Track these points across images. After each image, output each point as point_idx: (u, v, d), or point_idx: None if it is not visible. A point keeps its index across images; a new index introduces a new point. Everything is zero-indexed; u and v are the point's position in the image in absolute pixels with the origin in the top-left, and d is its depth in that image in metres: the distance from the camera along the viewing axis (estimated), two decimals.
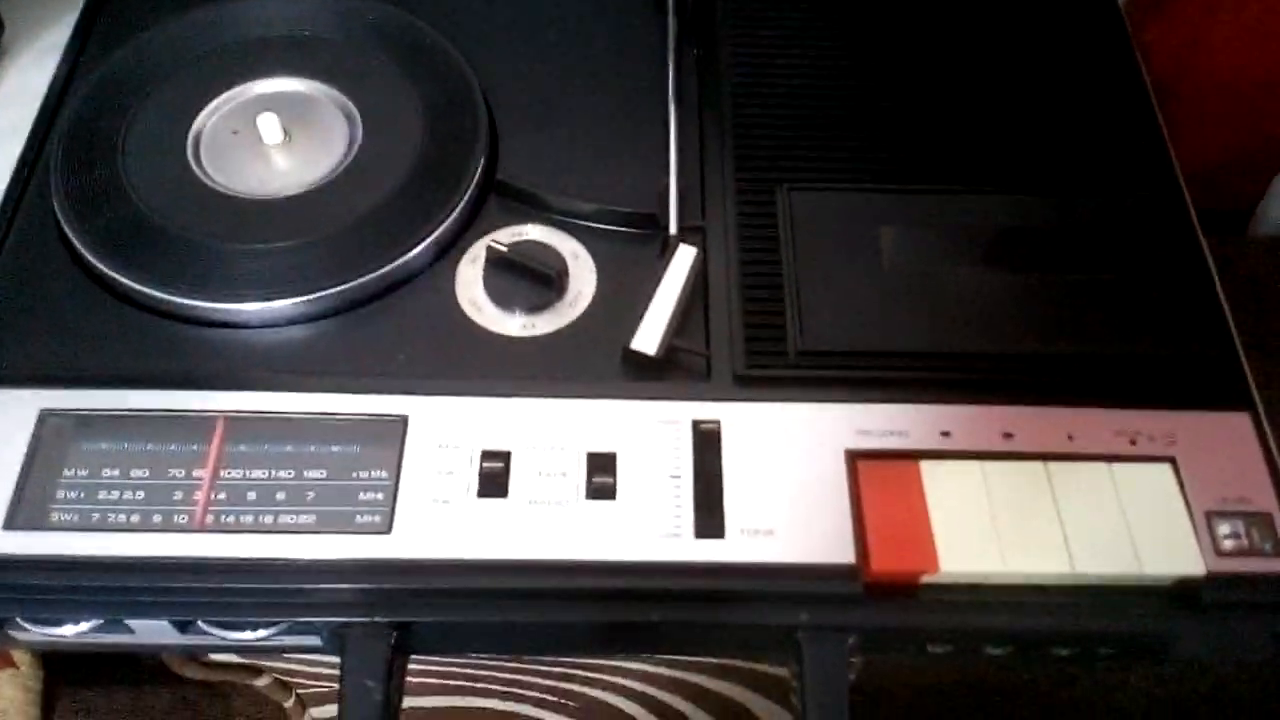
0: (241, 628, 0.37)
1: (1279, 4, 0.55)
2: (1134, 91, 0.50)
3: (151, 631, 0.38)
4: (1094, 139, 0.48)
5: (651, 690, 0.56)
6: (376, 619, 0.36)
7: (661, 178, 0.45)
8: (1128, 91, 0.50)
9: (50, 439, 0.38)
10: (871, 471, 0.38)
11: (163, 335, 0.42)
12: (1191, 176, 0.47)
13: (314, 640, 0.38)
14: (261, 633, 0.37)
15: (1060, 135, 0.48)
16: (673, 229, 0.44)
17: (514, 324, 0.42)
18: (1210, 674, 0.53)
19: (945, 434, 0.39)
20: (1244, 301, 0.52)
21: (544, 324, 0.42)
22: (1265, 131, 0.60)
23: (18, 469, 0.38)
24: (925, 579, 0.37)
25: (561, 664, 0.56)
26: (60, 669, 0.47)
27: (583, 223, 0.45)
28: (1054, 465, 0.38)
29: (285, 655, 0.55)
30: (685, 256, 0.43)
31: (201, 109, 0.47)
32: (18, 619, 0.37)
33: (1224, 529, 0.37)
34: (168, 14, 0.50)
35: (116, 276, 0.42)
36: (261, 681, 0.60)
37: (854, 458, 0.39)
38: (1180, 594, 0.37)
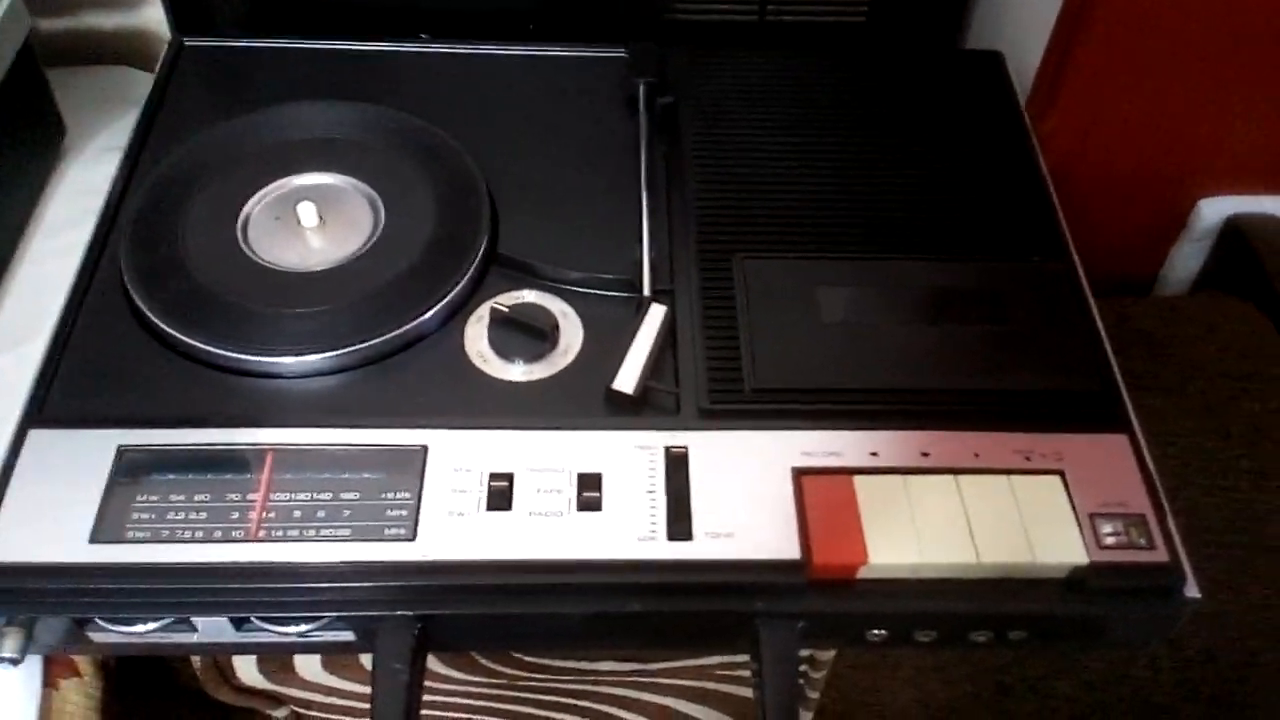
0: (288, 623, 0.44)
1: (1157, 104, 0.65)
2: (1032, 175, 0.59)
3: (211, 630, 0.45)
4: (997, 214, 0.57)
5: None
6: (403, 613, 0.43)
7: (636, 249, 0.54)
8: (1027, 175, 0.59)
9: (126, 470, 0.46)
10: (813, 484, 0.46)
11: (219, 385, 0.49)
12: (1099, 245, 0.56)
13: (348, 636, 0.45)
14: (304, 627, 0.44)
15: (969, 211, 0.57)
16: (646, 291, 0.52)
17: (515, 371, 0.50)
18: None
19: (874, 454, 0.47)
20: (1138, 349, 0.61)
21: (539, 371, 0.51)
22: (1158, 206, 0.69)
23: (100, 495, 0.45)
24: (860, 572, 0.44)
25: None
26: (116, 681, 0.53)
27: (571, 288, 0.54)
28: (963, 478, 0.46)
29: (308, 686, 0.61)
30: (657, 313, 0.51)
31: (249, 198, 0.56)
32: (97, 619, 0.44)
33: (1105, 528, 0.45)
34: (217, 119, 0.59)
35: (180, 336, 0.50)
36: (280, 713, 0.66)
37: (799, 474, 0.46)
38: (1071, 582, 0.45)
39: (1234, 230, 0.67)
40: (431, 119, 0.60)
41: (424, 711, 0.65)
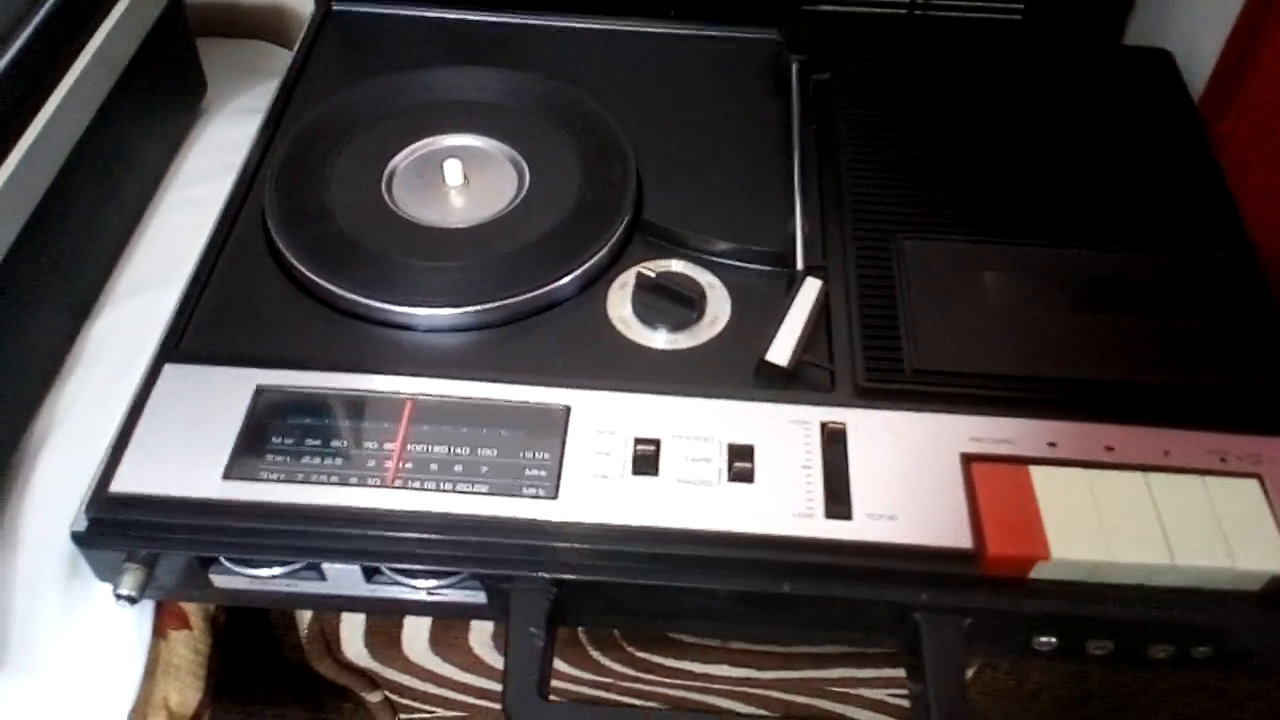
0: (420, 576, 0.42)
1: None
2: (1211, 173, 0.55)
3: (341, 580, 0.43)
4: (1175, 210, 0.53)
5: None
6: (540, 574, 0.41)
7: (788, 223, 0.52)
8: (1206, 173, 0.55)
9: (264, 409, 0.44)
10: (985, 472, 0.43)
11: (356, 333, 0.48)
12: (1271, 259, 0.52)
13: (480, 597, 0.43)
14: (435, 583, 0.42)
15: (1143, 205, 0.53)
16: (799, 265, 0.50)
17: (658, 339, 0.48)
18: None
19: (1051, 445, 0.44)
20: None
21: (684, 340, 0.48)
22: None
23: (235, 432, 0.44)
24: (1036, 569, 0.41)
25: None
26: (223, 641, 0.52)
27: (718, 259, 0.51)
28: (1152, 475, 0.42)
29: (409, 667, 0.59)
30: (812, 286, 0.49)
31: (396, 153, 0.55)
32: (224, 559, 0.42)
33: None
34: (366, 79, 0.59)
35: (320, 281, 0.49)
36: (374, 697, 0.64)
37: (968, 460, 0.43)
38: (1269, 594, 0.40)
39: None
40: (581, 86, 0.58)
41: None
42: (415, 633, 0.56)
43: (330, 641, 0.56)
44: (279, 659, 0.60)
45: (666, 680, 0.60)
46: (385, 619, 0.53)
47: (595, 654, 0.57)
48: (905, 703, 0.61)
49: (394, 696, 0.64)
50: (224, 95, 0.68)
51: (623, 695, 0.62)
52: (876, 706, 0.62)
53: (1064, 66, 0.62)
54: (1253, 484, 0.42)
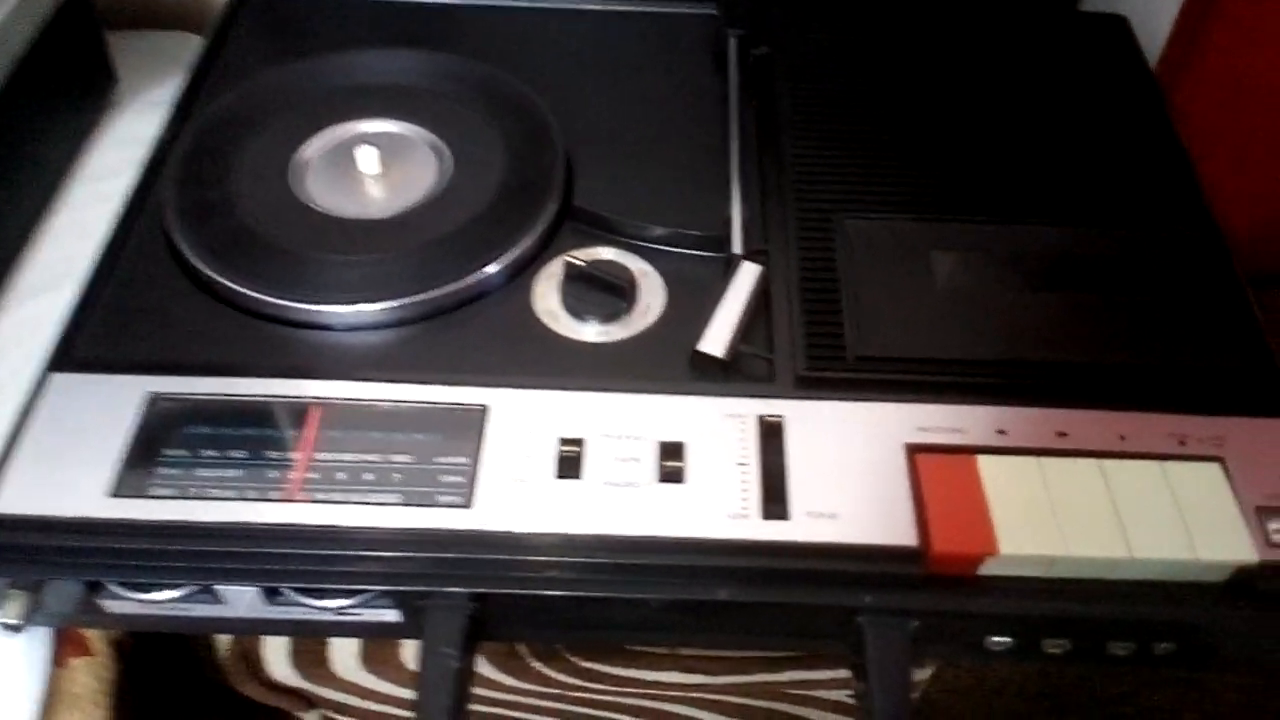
0: (326, 595, 0.39)
1: None
2: (1170, 145, 0.53)
3: (239, 602, 0.40)
4: (1132, 183, 0.51)
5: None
6: (455, 589, 0.38)
7: (725, 207, 0.49)
8: (1165, 145, 0.53)
9: (157, 420, 0.41)
10: (930, 463, 0.40)
11: (262, 334, 0.45)
12: (1231, 233, 0.50)
13: (393, 615, 0.40)
14: (343, 602, 0.39)
15: (1100, 178, 0.51)
16: (737, 249, 0.47)
17: (588, 331, 0.45)
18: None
19: (1001, 432, 0.41)
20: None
21: (616, 332, 0.45)
22: None
23: (125, 445, 0.40)
24: (985, 565, 0.38)
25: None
26: (131, 666, 0.49)
27: (652, 245, 0.48)
28: (1108, 462, 0.40)
29: (342, 685, 0.56)
30: (749, 271, 0.46)
31: (306, 141, 0.51)
32: (111, 583, 0.39)
33: (1274, 523, 0.39)
34: (277, 65, 0.55)
35: (220, 280, 0.45)
36: (311, 717, 0.61)
37: (913, 451, 0.40)
38: (1234, 585, 0.38)
39: None
40: (504, 67, 0.55)
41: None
42: (343, 650, 0.53)
43: (252, 662, 0.53)
44: (203, 681, 0.56)
45: (616, 689, 0.57)
46: (310, 637, 0.50)
47: (537, 665, 0.54)
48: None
49: (333, 715, 0.61)
50: (137, 87, 0.64)
51: (573, 705, 0.59)
52: (835, 707, 0.59)
53: (1017, 31, 0.59)
54: (1214, 468, 0.40)
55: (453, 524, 0.38)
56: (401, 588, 0.38)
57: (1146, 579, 0.38)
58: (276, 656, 0.53)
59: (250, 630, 0.45)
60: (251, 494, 0.39)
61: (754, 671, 0.56)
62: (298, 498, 0.39)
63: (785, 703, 0.59)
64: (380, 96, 0.53)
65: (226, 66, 0.58)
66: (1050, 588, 0.38)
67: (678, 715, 0.61)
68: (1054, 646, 0.40)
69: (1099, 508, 0.38)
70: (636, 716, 0.61)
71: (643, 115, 0.54)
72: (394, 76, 0.54)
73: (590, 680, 0.56)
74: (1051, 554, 0.37)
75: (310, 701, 0.59)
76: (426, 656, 0.37)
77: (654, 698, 0.59)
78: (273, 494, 0.39)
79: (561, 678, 0.56)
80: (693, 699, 0.59)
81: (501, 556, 0.38)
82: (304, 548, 0.38)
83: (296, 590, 0.39)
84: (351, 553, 0.38)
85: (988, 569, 0.38)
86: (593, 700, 0.59)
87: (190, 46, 0.70)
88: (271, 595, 0.39)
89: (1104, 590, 0.38)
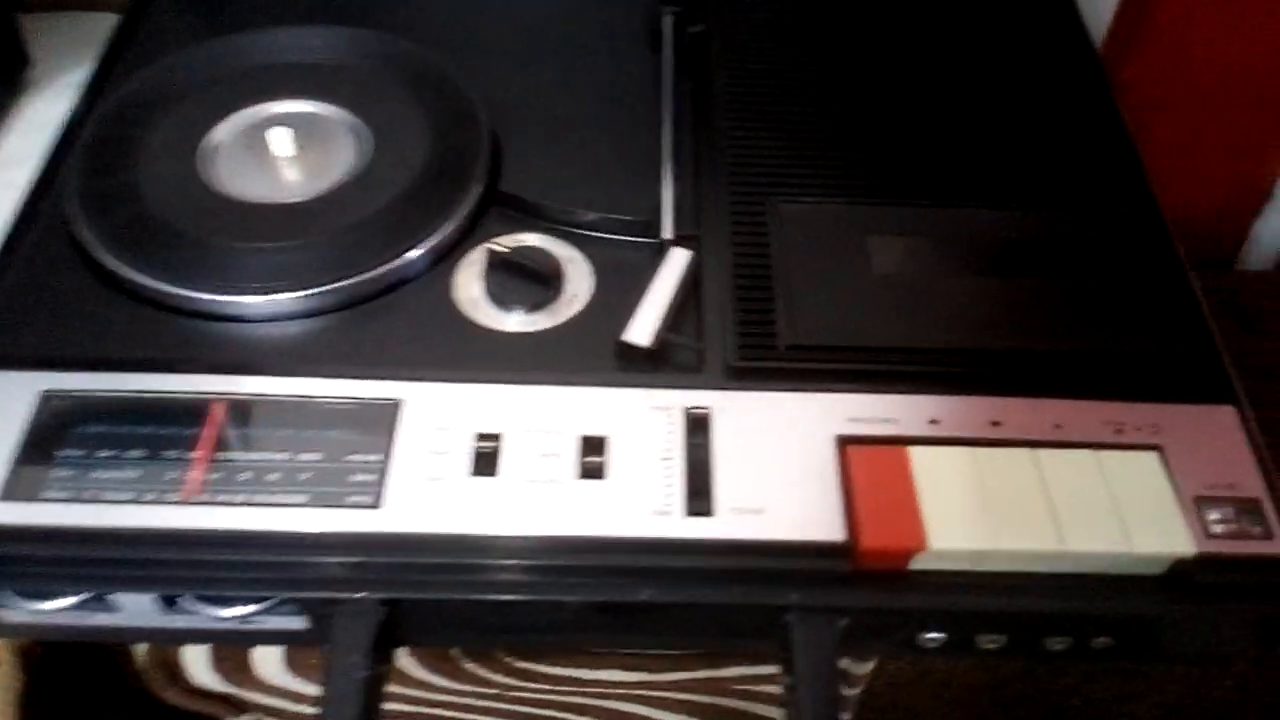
0: (227, 603, 0.37)
1: (1247, 56, 0.58)
2: (1110, 121, 0.52)
3: (136, 612, 0.38)
4: (1073, 163, 0.50)
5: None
6: (364, 595, 0.36)
7: (657, 190, 0.47)
8: (1104, 121, 0.52)
9: (49, 418, 0.39)
10: (861, 455, 0.38)
11: (165, 327, 0.42)
12: (1174, 215, 0.49)
13: (300, 623, 0.38)
14: (246, 610, 0.37)
15: (1040, 159, 0.50)
16: (668, 234, 0.45)
17: (511, 321, 0.43)
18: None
19: (934, 422, 0.40)
20: (1226, 326, 0.53)
21: (541, 322, 0.43)
22: (1241, 172, 0.62)
23: (16, 445, 0.38)
24: (916, 560, 0.37)
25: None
26: (41, 674, 0.46)
27: (580, 231, 0.46)
28: (1042, 452, 0.39)
29: (269, 690, 0.54)
30: (679, 257, 0.44)
31: (217, 124, 0.49)
32: (2, 593, 0.37)
33: (1213, 514, 0.37)
34: (189, 45, 0.53)
35: (119, 269, 0.43)
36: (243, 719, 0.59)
37: (844, 443, 0.39)
38: (1172, 578, 0.37)
39: None
40: (429, 44, 0.53)
41: None
42: (266, 654, 0.51)
43: (172, 668, 0.51)
44: (125, 689, 0.54)
45: (556, 689, 0.56)
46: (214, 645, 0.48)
47: (470, 666, 0.53)
48: None
49: (265, 718, 0.59)
50: (52, 69, 0.62)
51: (514, 705, 0.58)
52: (782, 701, 0.58)
53: (959, 11, 0.57)
54: (1152, 457, 0.39)
55: (361, 526, 0.37)
56: (306, 594, 0.36)
57: (1082, 572, 0.37)
58: (197, 662, 0.51)
59: (152, 639, 0.44)
60: (149, 496, 0.37)
61: (697, 668, 0.55)
62: (197, 500, 0.37)
63: (731, 698, 0.58)
64: (296, 76, 0.51)
65: (141, 47, 0.55)
66: (983, 582, 0.37)
67: (623, 712, 0.60)
68: (989, 642, 0.39)
69: (1032, 499, 0.37)
70: (580, 714, 0.59)
71: (573, 95, 0.52)
72: (311, 55, 0.52)
73: (527, 680, 0.55)
74: (983, 548, 0.36)
75: (240, 706, 0.57)
76: (332, 666, 0.35)
77: (597, 695, 0.57)
78: (171, 496, 0.37)
79: (497, 678, 0.54)
80: (636, 696, 0.58)
81: (412, 560, 0.36)
82: (202, 553, 0.36)
83: (196, 598, 0.37)
84: (253, 558, 0.36)
85: (918, 564, 0.37)
86: (533, 700, 0.57)
87: (109, 27, 0.67)
88: (170, 603, 0.37)
89: (1039, 584, 0.37)
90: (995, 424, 0.40)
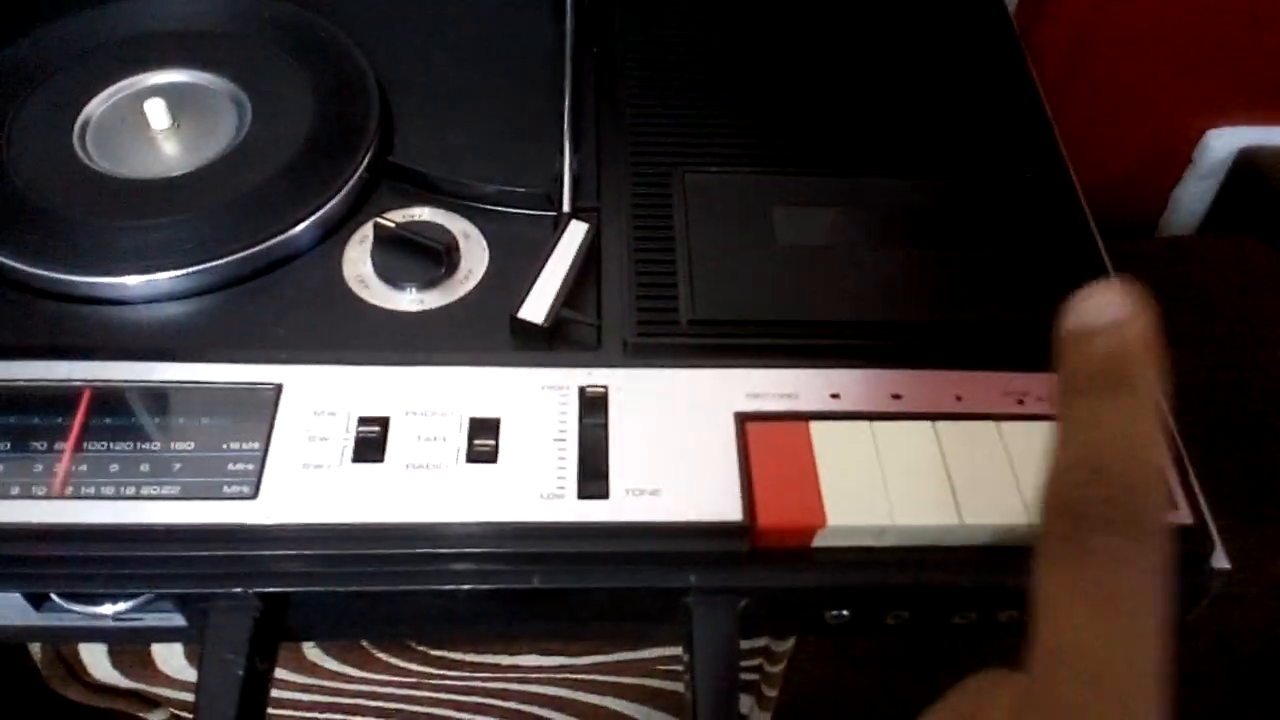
0: (97, 600, 0.35)
1: (1160, 18, 0.57)
2: (1021, 85, 0.51)
3: (8, 609, 0.36)
4: (982, 129, 0.49)
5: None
6: (240, 589, 0.34)
7: (556, 161, 0.45)
8: (1015, 85, 0.51)
9: None
10: (760, 432, 0.37)
11: (30, 310, 0.40)
12: (1094, 181, 0.48)
13: (178, 620, 0.36)
14: (120, 607, 0.35)
15: (947, 125, 0.48)
16: (566, 208, 0.44)
17: (403, 300, 0.42)
18: None
19: (835, 396, 0.39)
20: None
21: (433, 300, 0.42)
22: (1160, 137, 0.61)
23: None
24: (816, 538, 0.36)
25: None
26: None
27: (475, 204, 0.45)
28: (942, 425, 0.38)
29: (176, 684, 0.52)
30: (576, 231, 0.43)
31: (91, 98, 0.46)
32: None
33: None
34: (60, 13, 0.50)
35: None
36: (156, 716, 0.57)
37: (743, 420, 0.38)
38: None
39: (1246, 164, 0.59)
40: (318, 9, 0.50)
41: (316, 715, 0.57)
42: (166, 648, 0.49)
43: (72, 664, 0.49)
44: (27, 686, 0.52)
45: (476, 675, 0.55)
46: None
47: (381, 656, 0.51)
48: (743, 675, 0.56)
49: (180, 713, 0.57)
50: None
51: (434, 693, 0.56)
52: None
53: None
54: (1054, 427, 0.38)
55: (236, 518, 0.35)
56: (178, 589, 0.34)
57: (984, 545, 0.36)
58: (94, 657, 0.49)
59: (25, 638, 0.41)
60: (14, 490, 0.35)
61: (616, 650, 0.54)
62: (65, 493, 0.35)
63: (656, 678, 0.57)
64: (173, 44, 0.48)
65: (10, 16, 0.52)
66: (885, 559, 0.36)
67: (546, 695, 0.59)
68: (895, 618, 0.38)
69: (931, 473, 0.36)
70: (504, 700, 0.58)
71: (471, 62, 0.50)
72: (190, 22, 0.49)
73: (444, 668, 0.53)
74: (881, 524, 0.35)
75: (152, 701, 0.55)
76: (207, 662, 0.34)
77: (517, 680, 0.56)
78: (36, 490, 0.35)
79: (413, 666, 0.53)
80: (560, 679, 0.57)
81: (289, 552, 0.35)
82: (71, 549, 0.34)
83: (65, 597, 0.35)
84: (123, 553, 0.34)
85: (819, 541, 0.36)
86: (453, 687, 0.56)
87: None
88: (39, 602, 0.35)
89: (942, 559, 0.36)
90: (896, 397, 0.39)
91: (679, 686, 0.58)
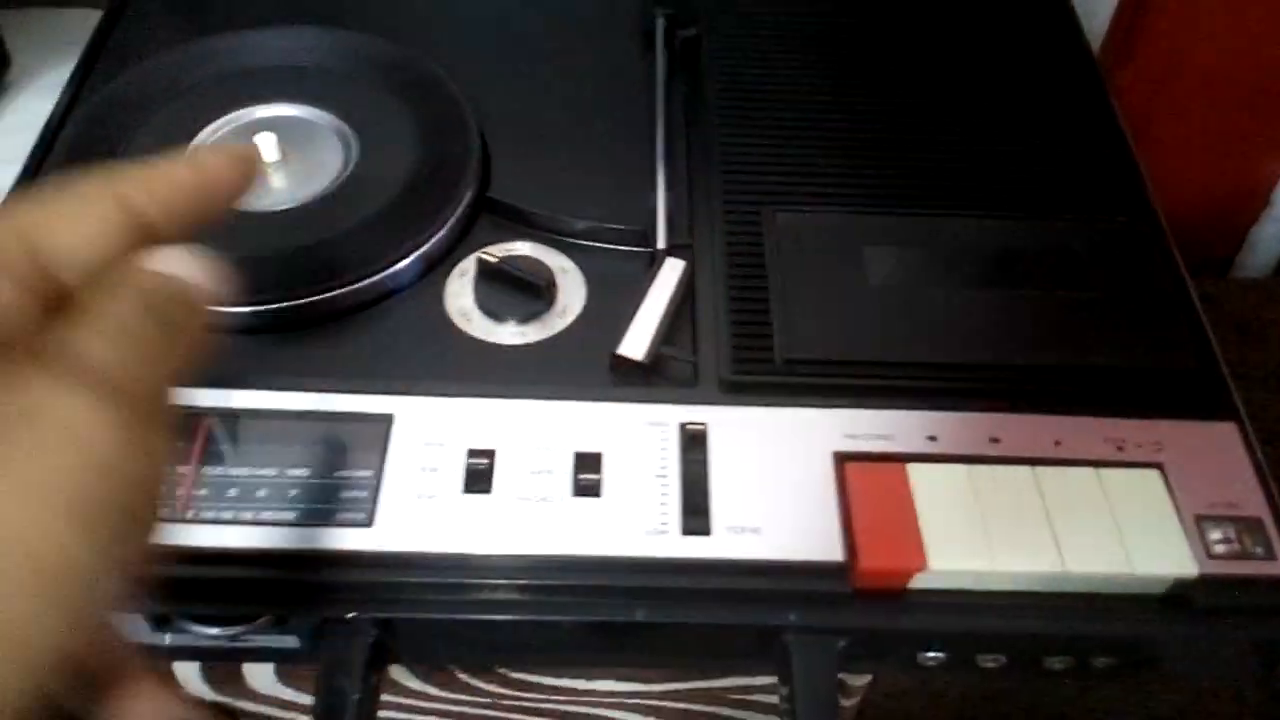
0: (218, 622, 0.36)
1: (1244, 59, 0.57)
2: (1108, 126, 0.51)
3: (130, 630, 0.37)
4: (1072, 171, 0.49)
5: None
6: (356, 615, 0.35)
7: (649, 198, 0.46)
8: (1102, 127, 0.51)
9: None
10: (859, 473, 0.38)
11: None
12: (1170, 221, 0.48)
13: (292, 642, 0.37)
14: (237, 629, 0.36)
15: (1039, 167, 0.49)
16: (661, 244, 0.45)
17: (502, 333, 0.43)
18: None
19: (931, 439, 0.39)
20: (1225, 335, 0.53)
21: (532, 333, 0.43)
22: (1238, 178, 0.61)
23: None
24: (915, 580, 0.36)
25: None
26: None
27: (572, 240, 0.46)
28: (1041, 470, 0.38)
29: (256, 698, 0.53)
30: (673, 268, 0.43)
31: (202, 129, 0.48)
32: None
33: (1214, 533, 0.37)
34: (174, 44, 0.52)
35: None
36: None
37: (841, 460, 0.38)
38: (1173, 598, 0.37)
39: None
40: (419, 47, 0.52)
41: None
42: (257, 665, 0.50)
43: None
44: None
45: (550, 698, 0.55)
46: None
47: (464, 677, 0.52)
48: None
49: None
50: (33, 68, 0.60)
51: (508, 714, 0.57)
52: (779, 711, 0.58)
53: (956, 12, 0.57)
54: (1153, 475, 0.38)
55: (352, 544, 0.36)
56: (297, 613, 0.36)
57: (1083, 592, 0.37)
58: (186, 671, 0.50)
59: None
60: None
61: (691, 678, 0.54)
62: (186, 517, 0.36)
63: (727, 707, 0.58)
64: (281, 79, 0.50)
65: (123, 45, 0.54)
66: (983, 602, 0.37)
67: None
68: (989, 661, 0.38)
69: (1032, 519, 0.37)
70: None
71: (565, 101, 0.52)
72: (296, 57, 0.51)
73: (521, 690, 0.54)
74: (983, 568, 0.36)
75: (231, 713, 0.56)
76: (324, 686, 0.35)
77: (591, 705, 0.57)
78: (160, 511, 0.36)
79: (491, 688, 0.54)
80: (630, 705, 0.58)
81: (404, 579, 0.36)
82: (193, 572, 0.36)
83: (185, 617, 0.36)
84: (243, 576, 0.36)
85: (918, 583, 0.36)
86: (528, 709, 0.57)
87: (86, 23, 0.66)
88: (162, 623, 0.37)
89: (1039, 604, 0.37)
90: (994, 440, 0.39)
91: (749, 716, 0.59)
